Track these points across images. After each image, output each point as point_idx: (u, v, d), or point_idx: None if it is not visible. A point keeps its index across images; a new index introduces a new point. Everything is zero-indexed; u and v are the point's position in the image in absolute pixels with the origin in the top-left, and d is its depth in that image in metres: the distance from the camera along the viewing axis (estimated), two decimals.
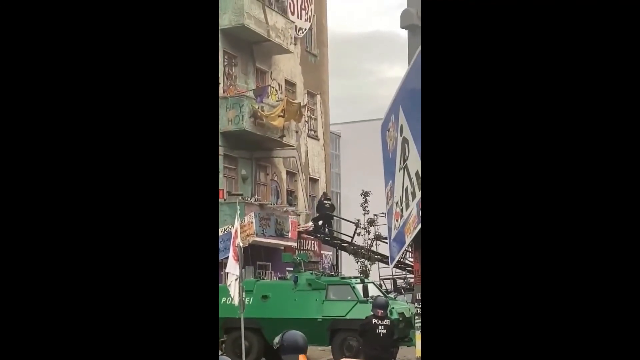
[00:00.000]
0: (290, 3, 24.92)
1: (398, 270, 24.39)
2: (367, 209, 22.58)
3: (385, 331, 9.87)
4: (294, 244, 23.60)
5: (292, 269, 18.08)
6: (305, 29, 26.26)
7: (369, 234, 22.79)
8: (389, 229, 3.62)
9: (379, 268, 23.48)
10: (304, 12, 25.84)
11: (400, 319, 14.36)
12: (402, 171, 3.49)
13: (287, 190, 25.20)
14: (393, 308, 14.17)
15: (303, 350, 4.37)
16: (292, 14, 24.99)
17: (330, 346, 15.21)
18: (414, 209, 3.13)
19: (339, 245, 23.39)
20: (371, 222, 22.84)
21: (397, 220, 3.50)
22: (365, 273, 21.38)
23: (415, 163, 3.17)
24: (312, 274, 16.99)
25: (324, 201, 23.98)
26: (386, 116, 3.77)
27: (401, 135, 3.53)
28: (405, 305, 16.14)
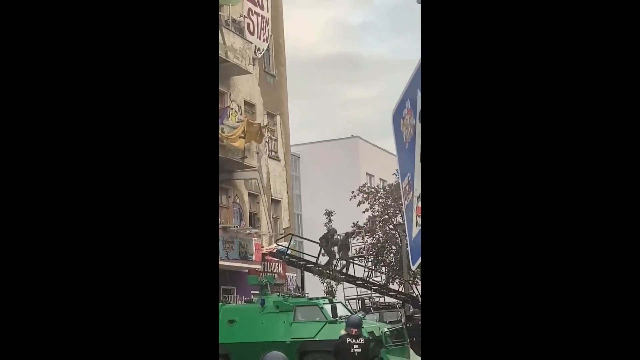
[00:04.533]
0: (248, 23, 24.81)
1: (364, 290, 24.31)
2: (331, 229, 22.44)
3: (360, 350, 9.70)
4: (258, 267, 23.30)
5: (257, 292, 17.78)
6: (263, 50, 26.17)
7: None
8: (409, 227, 3.38)
9: (343, 288, 23.32)
10: (262, 32, 25.75)
11: (371, 337, 14.18)
12: None
13: (250, 213, 24.91)
14: (363, 327, 14.02)
15: None
16: (252, 34, 24.88)
17: None
18: None
19: (303, 266, 23.17)
20: (335, 242, 22.69)
21: (419, 217, 3.26)
22: (331, 293, 21.17)
23: None
24: (279, 295, 16.75)
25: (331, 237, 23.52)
26: (399, 104, 3.54)
27: (420, 122, 3.30)
28: (375, 324, 16.00)
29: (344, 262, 22.71)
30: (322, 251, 22.47)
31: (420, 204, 3.27)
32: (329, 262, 22.51)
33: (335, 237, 22.92)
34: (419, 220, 3.23)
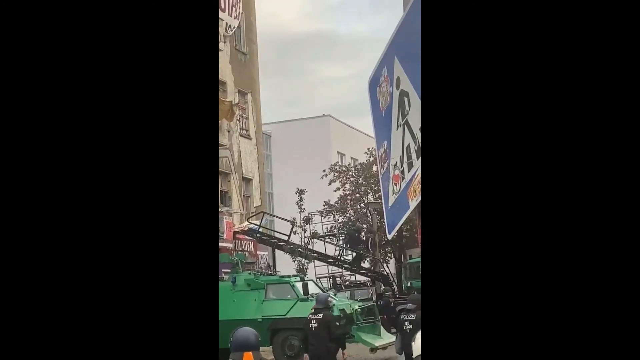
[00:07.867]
0: (219, 0, 24.52)
1: (335, 268, 24.40)
2: (302, 207, 22.41)
3: (316, 325, 9.77)
4: (230, 245, 23.23)
5: (229, 270, 17.74)
6: (234, 27, 25.90)
7: (305, 232, 22.65)
8: (385, 195, 3.34)
9: (314, 267, 23.39)
10: (233, 9, 25.48)
11: (342, 315, 14.24)
12: (401, 128, 3.20)
13: (221, 191, 24.77)
14: (334, 305, 14.06)
15: (252, 348, 4.21)
16: (223, 10, 24.59)
17: (271, 347, 14.95)
18: (419, 169, 2.84)
19: (275, 244, 23.15)
20: (307, 221, 22.71)
21: (396, 185, 3.21)
22: (302, 271, 21.21)
23: (418, 116, 2.88)
24: (250, 273, 16.71)
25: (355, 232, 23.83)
26: (375, 72, 3.49)
27: (397, 89, 3.25)
28: (346, 302, 16.06)
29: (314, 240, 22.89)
30: (348, 248, 22.78)
31: (397, 172, 3.23)
32: (359, 259, 22.81)
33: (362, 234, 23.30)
34: (395, 188, 3.19)
